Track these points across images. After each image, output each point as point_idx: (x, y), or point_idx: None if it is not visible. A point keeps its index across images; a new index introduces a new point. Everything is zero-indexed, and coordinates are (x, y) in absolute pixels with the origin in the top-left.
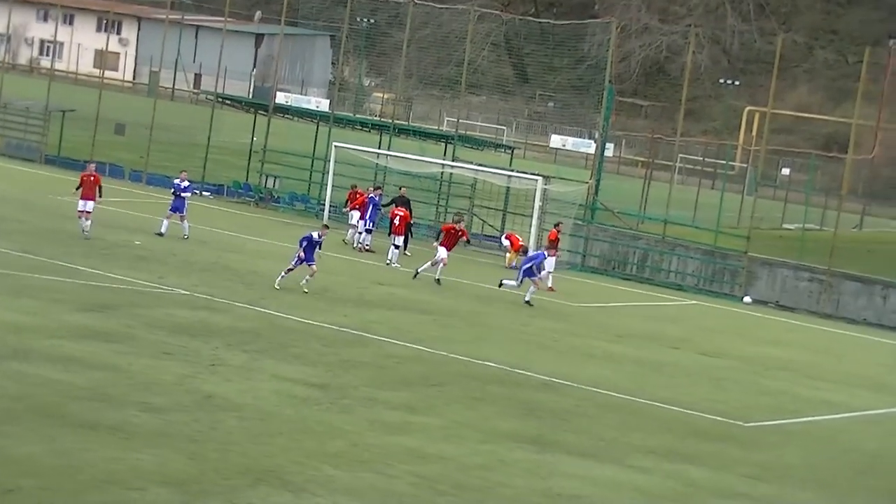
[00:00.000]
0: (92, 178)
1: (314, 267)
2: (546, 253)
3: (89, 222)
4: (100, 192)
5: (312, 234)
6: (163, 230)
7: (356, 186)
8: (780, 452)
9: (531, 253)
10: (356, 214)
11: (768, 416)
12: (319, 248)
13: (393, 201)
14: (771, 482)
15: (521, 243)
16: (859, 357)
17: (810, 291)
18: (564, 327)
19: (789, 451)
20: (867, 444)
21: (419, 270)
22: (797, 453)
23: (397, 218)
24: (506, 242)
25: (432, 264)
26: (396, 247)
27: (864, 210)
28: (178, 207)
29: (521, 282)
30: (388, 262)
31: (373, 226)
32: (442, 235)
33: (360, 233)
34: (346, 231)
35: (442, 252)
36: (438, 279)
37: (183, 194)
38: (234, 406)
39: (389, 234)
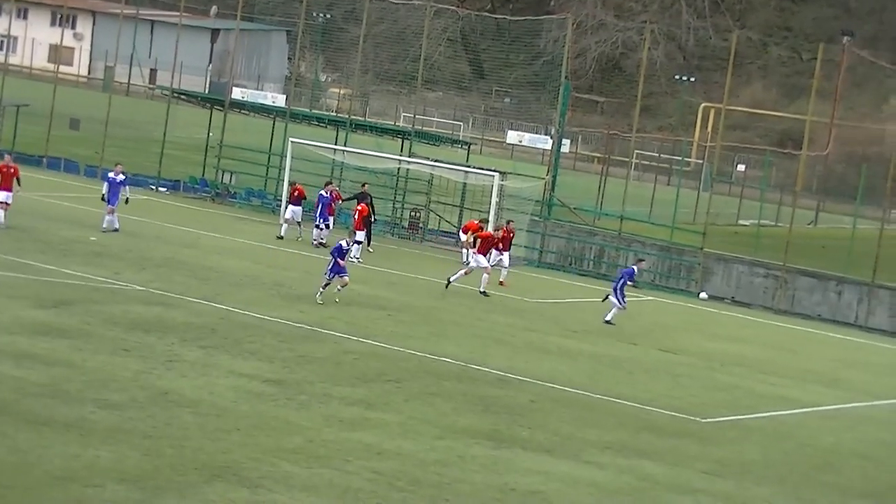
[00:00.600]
0: (11, 171)
1: (346, 278)
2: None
3: (3, 212)
4: (18, 182)
5: (341, 243)
6: (105, 226)
7: (295, 183)
8: (738, 448)
9: (621, 270)
10: (296, 209)
11: (725, 412)
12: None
13: (355, 197)
14: (728, 478)
15: (477, 223)
16: (814, 352)
17: (765, 287)
18: (520, 322)
19: (746, 446)
20: (823, 439)
21: (451, 279)
22: (754, 449)
23: (356, 213)
24: (463, 237)
25: (465, 273)
26: (358, 242)
27: (819, 206)
28: (111, 200)
29: (622, 302)
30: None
31: (324, 222)
32: (477, 241)
33: (317, 227)
34: (281, 227)
35: (481, 260)
36: (484, 291)
37: (122, 188)
38: (190, 402)
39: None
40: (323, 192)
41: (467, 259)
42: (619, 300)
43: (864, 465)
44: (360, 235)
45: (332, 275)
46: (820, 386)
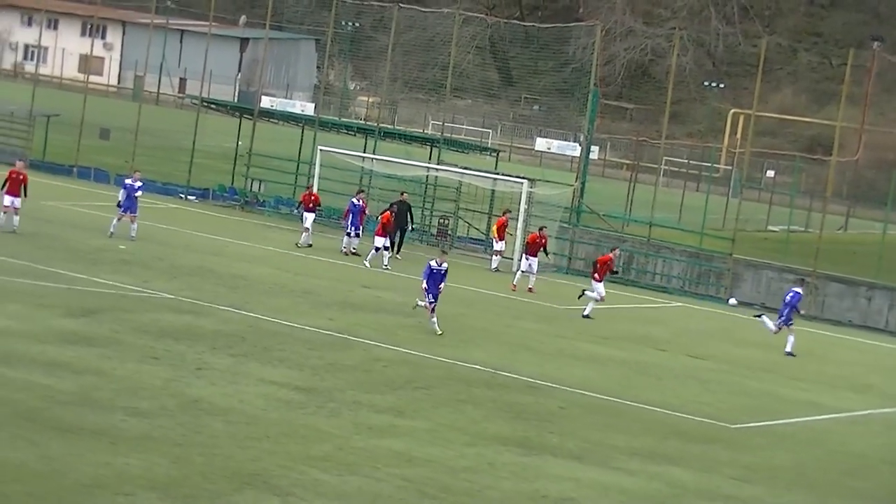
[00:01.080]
0: (20, 177)
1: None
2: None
3: (16, 217)
4: (25, 191)
5: (430, 262)
6: (112, 230)
7: (311, 187)
8: (767, 454)
9: (786, 302)
10: (310, 216)
11: (754, 418)
12: (443, 280)
13: (391, 206)
14: (757, 484)
15: (503, 219)
16: (844, 358)
17: None
18: (550, 329)
19: (776, 452)
20: (853, 445)
21: (586, 314)
22: (784, 455)
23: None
24: (497, 246)
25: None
26: (377, 249)
27: (849, 212)
28: (129, 207)
29: (780, 327)
30: (364, 264)
31: (356, 230)
32: (597, 266)
33: (348, 234)
34: (301, 234)
35: (599, 287)
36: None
37: (136, 194)
38: (220, 410)
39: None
40: (355, 200)
41: (496, 266)
42: (778, 325)
43: (895, 471)
44: (380, 241)
45: (431, 301)
46: (850, 392)
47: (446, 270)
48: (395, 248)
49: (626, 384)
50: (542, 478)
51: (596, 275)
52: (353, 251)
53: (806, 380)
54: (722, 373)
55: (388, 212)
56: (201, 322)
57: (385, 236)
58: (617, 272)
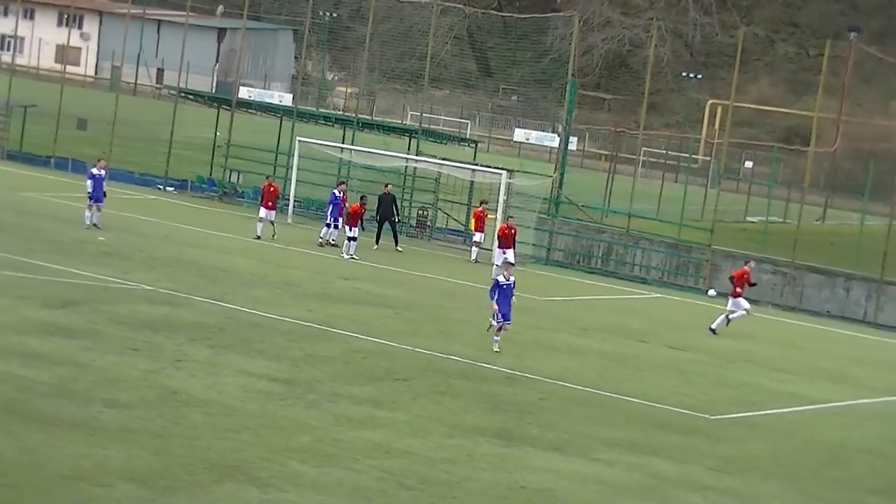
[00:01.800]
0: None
1: (508, 325)
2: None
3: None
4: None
5: (498, 278)
6: (87, 222)
7: (270, 177)
8: (746, 445)
9: None
10: (263, 210)
11: (733, 409)
12: (512, 294)
13: (362, 197)
14: (736, 474)
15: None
16: (822, 349)
17: (773, 284)
18: (529, 320)
19: (754, 443)
20: (831, 435)
21: (712, 327)
22: (762, 445)
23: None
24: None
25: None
26: (348, 239)
27: (827, 202)
28: (97, 197)
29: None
30: (342, 254)
31: (335, 222)
32: (734, 281)
33: (327, 226)
34: (257, 225)
35: (742, 303)
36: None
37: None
38: (199, 401)
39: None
40: (336, 192)
41: (476, 258)
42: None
43: (873, 461)
44: (349, 232)
45: (500, 319)
46: (828, 382)
47: (514, 283)
48: (394, 241)
49: (606, 375)
50: (520, 469)
51: (736, 290)
52: (332, 242)
53: (785, 370)
54: (702, 364)
55: (358, 203)
56: (180, 313)
57: (354, 227)
58: (754, 284)
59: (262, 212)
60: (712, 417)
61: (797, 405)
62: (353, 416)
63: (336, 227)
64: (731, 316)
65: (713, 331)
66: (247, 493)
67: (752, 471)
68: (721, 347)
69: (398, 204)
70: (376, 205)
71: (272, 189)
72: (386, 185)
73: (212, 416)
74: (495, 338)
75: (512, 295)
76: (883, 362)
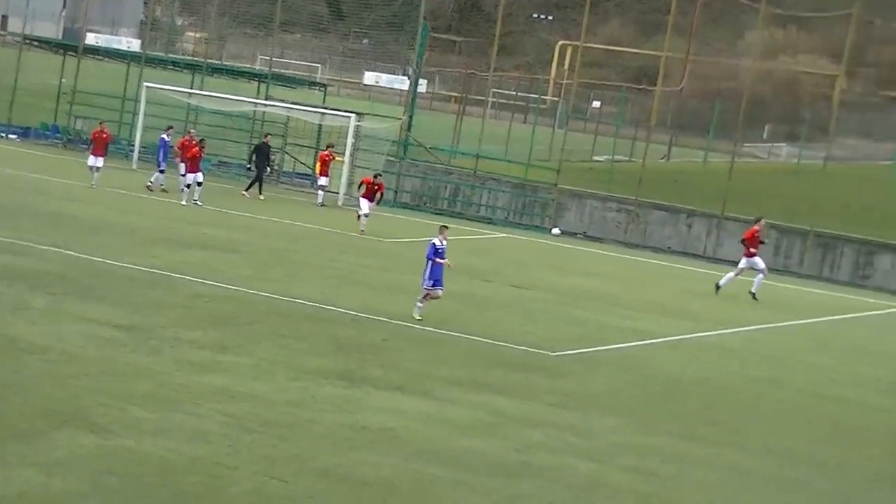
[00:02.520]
0: None
1: (440, 292)
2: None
3: None
4: None
5: (434, 241)
6: None
7: (103, 122)
8: (585, 380)
9: None
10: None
11: (575, 346)
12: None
13: (256, 147)
14: (575, 410)
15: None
16: (664, 284)
17: (618, 222)
18: (375, 263)
19: (594, 378)
20: (668, 368)
21: (720, 284)
22: (601, 381)
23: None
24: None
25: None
26: (187, 186)
27: (672, 141)
28: None
29: None
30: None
31: (163, 166)
32: (745, 242)
33: (161, 171)
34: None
35: (758, 262)
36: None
37: None
38: (38, 349)
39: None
40: (164, 136)
41: (322, 201)
42: None
43: (706, 392)
44: (191, 177)
45: (430, 283)
46: (668, 317)
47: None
48: (258, 188)
49: (451, 315)
50: (363, 409)
51: (750, 249)
52: (162, 187)
53: (627, 307)
54: (545, 302)
55: (197, 147)
56: (20, 262)
57: (195, 172)
58: (764, 242)
59: (91, 159)
60: (554, 354)
61: (637, 340)
62: (195, 361)
63: (162, 172)
64: (752, 290)
65: (718, 287)
66: (85, 439)
67: (591, 406)
68: (565, 285)
69: (271, 156)
70: (252, 152)
71: (104, 136)
72: (265, 136)
73: (51, 364)
74: (419, 304)
75: (444, 258)
76: (721, 296)
